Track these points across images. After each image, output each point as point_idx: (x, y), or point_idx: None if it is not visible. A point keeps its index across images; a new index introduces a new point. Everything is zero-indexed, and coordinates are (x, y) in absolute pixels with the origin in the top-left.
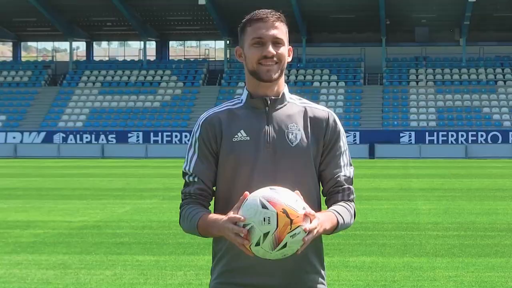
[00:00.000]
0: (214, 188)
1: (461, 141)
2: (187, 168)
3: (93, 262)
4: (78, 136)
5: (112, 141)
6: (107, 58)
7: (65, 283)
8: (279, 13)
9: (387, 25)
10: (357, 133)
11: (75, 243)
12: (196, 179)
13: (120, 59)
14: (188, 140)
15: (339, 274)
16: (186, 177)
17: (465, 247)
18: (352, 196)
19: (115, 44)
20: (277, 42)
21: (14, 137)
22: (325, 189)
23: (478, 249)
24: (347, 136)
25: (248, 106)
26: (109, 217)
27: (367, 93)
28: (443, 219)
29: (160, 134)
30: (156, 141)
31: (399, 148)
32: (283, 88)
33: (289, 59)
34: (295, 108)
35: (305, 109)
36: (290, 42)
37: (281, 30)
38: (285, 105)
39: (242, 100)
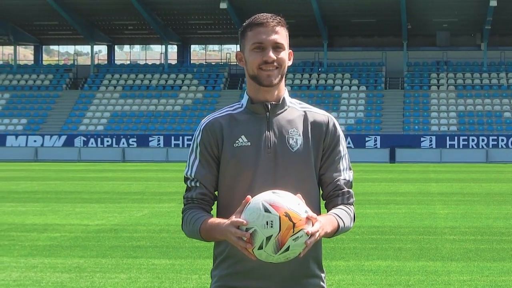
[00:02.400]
0: (216, 192)
1: (482, 146)
2: (188, 173)
3: (108, 266)
4: (99, 139)
5: (133, 145)
6: (128, 62)
7: (79, 286)
8: (279, 18)
9: (408, 29)
10: (378, 137)
11: (92, 246)
12: (198, 184)
13: (142, 62)
14: (190, 145)
15: (353, 278)
16: (188, 182)
17: (481, 251)
18: (351, 200)
19: (136, 47)
20: (277, 47)
21: (35, 141)
22: (325, 192)
23: (494, 253)
24: (367, 141)
25: (248, 111)
26: (127, 221)
27: (388, 97)
28: (460, 224)
29: (181, 138)
30: (177, 145)
31: (420, 153)
32: (284, 92)
33: (290, 63)
34: (295, 113)
35: (305, 113)
36: (311, 47)
37: (281, 35)
38: (285, 110)
39: (242, 104)
